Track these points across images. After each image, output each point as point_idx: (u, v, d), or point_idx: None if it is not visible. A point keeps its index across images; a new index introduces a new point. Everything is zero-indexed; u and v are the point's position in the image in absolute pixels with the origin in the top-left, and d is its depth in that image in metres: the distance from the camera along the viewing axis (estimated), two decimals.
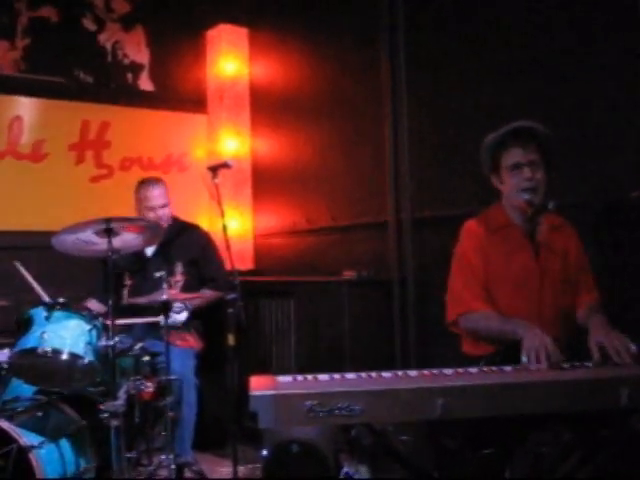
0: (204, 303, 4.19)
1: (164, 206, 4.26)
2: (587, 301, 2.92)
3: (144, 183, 4.33)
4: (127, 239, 3.55)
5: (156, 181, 4.36)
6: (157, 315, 3.69)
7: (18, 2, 4.91)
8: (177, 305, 3.89)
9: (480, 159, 3.01)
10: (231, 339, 3.55)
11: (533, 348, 2.53)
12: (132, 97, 5.34)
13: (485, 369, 2.53)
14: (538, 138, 2.88)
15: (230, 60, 5.49)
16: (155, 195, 4.25)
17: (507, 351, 2.69)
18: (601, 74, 3.33)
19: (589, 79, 3.38)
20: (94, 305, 4.10)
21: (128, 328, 3.96)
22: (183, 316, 3.94)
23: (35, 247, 4.57)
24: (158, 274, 3.67)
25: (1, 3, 4.84)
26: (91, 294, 4.19)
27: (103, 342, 3.32)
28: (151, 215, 4.20)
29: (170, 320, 3.70)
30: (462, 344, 3.01)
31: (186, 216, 4.55)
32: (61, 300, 3.42)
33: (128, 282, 4.21)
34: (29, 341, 3.28)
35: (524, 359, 2.53)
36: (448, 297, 2.98)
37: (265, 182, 5.45)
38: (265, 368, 4.69)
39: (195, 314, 4.15)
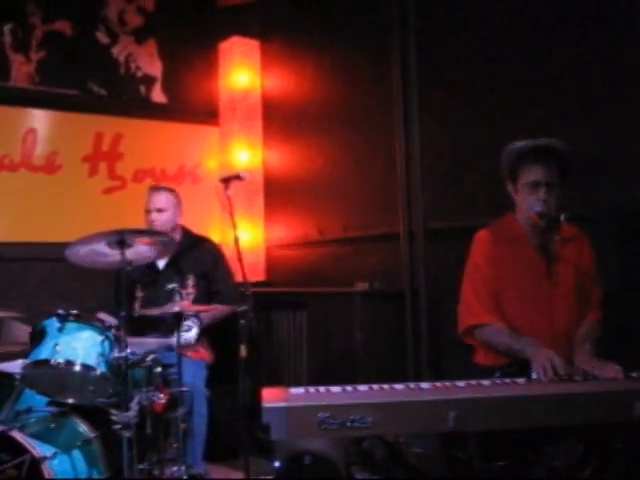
0: (216, 319, 4.14)
1: (159, 211, 4.18)
2: (589, 320, 2.89)
3: (150, 188, 4.36)
4: (140, 251, 3.56)
5: (163, 187, 4.38)
6: (168, 329, 3.69)
7: (33, 16, 4.95)
8: (186, 324, 3.85)
9: (500, 164, 2.98)
10: (243, 351, 3.55)
11: (541, 366, 2.54)
12: (145, 109, 5.37)
13: (498, 381, 2.53)
14: (560, 157, 2.85)
15: (242, 72, 5.51)
16: (154, 199, 4.21)
17: (523, 361, 2.69)
18: (620, 86, 3.31)
19: (608, 91, 3.36)
20: (104, 318, 4.09)
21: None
22: (193, 334, 3.91)
23: (49, 259, 4.61)
24: (170, 286, 3.66)
25: (16, 17, 4.89)
26: (101, 307, 4.14)
27: (115, 354, 3.33)
28: (146, 219, 4.18)
29: (181, 339, 3.69)
30: (475, 355, 3.00)
31: (198, 227, 4.55)
32: (74, 311, 3.44)
33: (140, 294, 4.20)
34: (42, 352, 3.29)
35: (534, 376, 2.55)
36: (460, 307, 2.98)
37: (277, 194, 5.46)
38: (277, 380, 4.69)
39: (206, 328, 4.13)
